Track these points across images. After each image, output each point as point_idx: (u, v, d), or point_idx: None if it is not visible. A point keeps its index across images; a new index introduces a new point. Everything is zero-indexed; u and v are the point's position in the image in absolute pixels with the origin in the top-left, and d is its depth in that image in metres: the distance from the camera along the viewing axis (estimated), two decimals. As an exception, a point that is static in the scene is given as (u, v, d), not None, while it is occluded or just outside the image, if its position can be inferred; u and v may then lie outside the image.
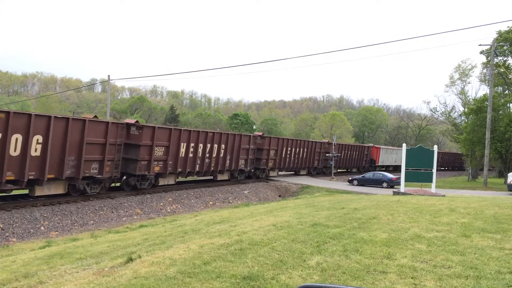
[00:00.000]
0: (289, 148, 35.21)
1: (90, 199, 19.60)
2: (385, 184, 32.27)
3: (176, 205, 21.96)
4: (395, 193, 20.40)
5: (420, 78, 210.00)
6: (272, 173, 34.47)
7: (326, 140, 44.41)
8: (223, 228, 9.10)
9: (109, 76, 40.48)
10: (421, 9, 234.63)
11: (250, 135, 30.98)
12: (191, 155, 24.52)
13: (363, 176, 34.27)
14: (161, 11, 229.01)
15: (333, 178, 39.25)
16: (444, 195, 18.58)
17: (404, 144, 21.72)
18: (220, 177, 28.45)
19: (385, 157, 53.49)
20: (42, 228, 15.52)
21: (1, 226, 14.81)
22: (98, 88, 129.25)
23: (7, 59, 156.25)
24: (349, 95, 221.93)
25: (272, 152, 33.05)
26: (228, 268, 5.60)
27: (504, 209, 10.81)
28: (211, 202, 23.81)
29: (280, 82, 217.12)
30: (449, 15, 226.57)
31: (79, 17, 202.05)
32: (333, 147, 42.15)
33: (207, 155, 25.93)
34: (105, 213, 18.48)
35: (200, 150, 25.21)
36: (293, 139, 37.34)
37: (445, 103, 61.90)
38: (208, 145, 25.93)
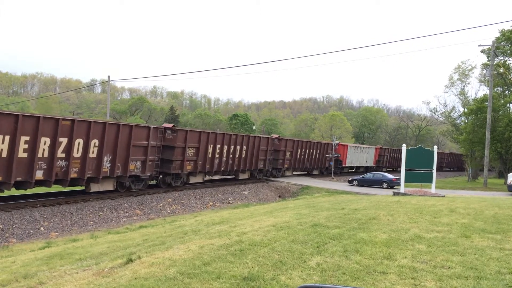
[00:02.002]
0: (218, 146, 26.98)
1: (90, 199, 19.59)
2: (385, 185, 32.30)
3: (175, 205, 21.95)
4: (395, 194, 20.39)
5: (420, 78, 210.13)
6: (193, 179, 26.52)
7: (276, 136, 35.66)
8: (223, 228, 9.10)
9: (109, 76, 40.51)
10: (421, 10, 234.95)
11: (150, 127, 22.02)
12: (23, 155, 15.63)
13: (363, 177, 34.35)
14: (161, 12, 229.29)
15: (332, 178, 39.26)
16: (444, 196, 18.57)
17: (404, 145, 21.72)
18: (95, 188, 19.83)
19: (354, 156, 46.65)
20: (42, 229, 15.51)
21: (1, 227, 14.79)
22: (98, 89, 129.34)
23: (7, 59, 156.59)
24: (349, 95, 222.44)
25: (190, 151, 24.62)
26: (228, 269, 5.60)
27: (504, 209, 10.81)
28: (210, 203, 23.81)
29: (280, 83, 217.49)
30: (449, 15, 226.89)
31: (79, 18, 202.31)
32: (334, 146, 41.38)
33: (62, 155, 17.02)
34: (105, 214, 18.47)
35: (44, 147, 16.33)
36: (224, 134, 28.48)
37: (445, 103, 61.78)
38: (62, 140, 16.97)
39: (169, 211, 20.84)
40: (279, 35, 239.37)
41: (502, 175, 42.89)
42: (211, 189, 26.76)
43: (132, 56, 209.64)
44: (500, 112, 40.55)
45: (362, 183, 33.28)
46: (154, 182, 24.44)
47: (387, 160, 54.41)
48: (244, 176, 31.63)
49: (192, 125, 76.94)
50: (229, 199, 25.70)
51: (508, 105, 42.82)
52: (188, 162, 24.64)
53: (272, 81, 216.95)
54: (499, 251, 6.56)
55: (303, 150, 37.99)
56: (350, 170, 47.20)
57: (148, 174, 22.13)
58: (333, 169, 41.39)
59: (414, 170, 20.52)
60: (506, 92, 45.25)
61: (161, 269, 5.75)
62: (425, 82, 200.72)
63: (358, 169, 47.74)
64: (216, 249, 6.78)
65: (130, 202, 20.75)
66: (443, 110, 61.22)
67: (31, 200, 18.15)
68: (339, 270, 5.54)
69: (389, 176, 33.75)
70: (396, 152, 57.06)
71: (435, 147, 21.35)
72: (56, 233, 15.30)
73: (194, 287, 4.97)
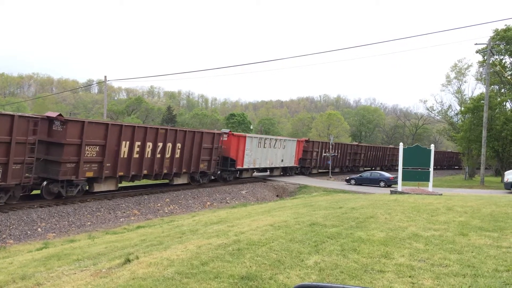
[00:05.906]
0: None
1: (88, 200, 19.54)
2: (382, 183, 32.41)
3: (173, 205, 21.92)
4: (392, 192, 20.41)
5: (417, 77, 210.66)
6: None
7: (53, 114, 17.53)
8: (220, 228, 9.09)
9: (105, 77, 40.33)
10: (418, 9, 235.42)
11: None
12: None
13: (360, 176, 34.52)
14: (158, 12, 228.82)
15: (330, 177, 39.27)
16: (441, 194, 18.62)
17: (401, 143, 21.75)
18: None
19: (259, 153, 30.70)
20: (39, 229, 15.46)
21: (-2, 228, 14.74)
22: (95, 89, 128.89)
23: (3, 60, 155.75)
24: (346, 94, 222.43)
25: None
26: (226, 268, 5.60)
27: (501, 207, 10.85)
28: (208, 203, 23.78)
29: (277, 82, 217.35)
30: (446, 14, 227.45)
31: (75, 18, 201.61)
32: (331, 145, 41.34)
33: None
34: (103, 214, 18.43)
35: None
36: None
37: (441, 102, 61.96)
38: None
39: (166, 211, 20.81)
40: (276, 35, 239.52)
41: (499, 173, 43.05)
42: (209, 189, 26.72)
43: (129, 56, 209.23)
44: (496, 110, 40.68)
45: (360, 182, 33.44)
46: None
47: (318, 159, 39.73)
48: None
49: (189, 125, 76.73)
50: (227, 198, 25.68)
51: (504, 103, 42.97)
52: None
53: (269, 81, 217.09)
54: (496, 248, 6.58)
55: (149, 143, 21.29)
56: (256, 174, 33.13)
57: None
58: (330, 168, 41.36)
59: (411, 168, 20.57)
60: (503, 90, 45.41)
61: (159, 269, 5.74)
62: (422, 80, 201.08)
63: (272, 172, 33.55)
64: (214, 248, 6.78)
65: (128, 202, 20.70)
66: (440, 108, 61.39)
67: (29, 201, 18.08)
68: (337, 269, 5.55)
69: (387, 174, 33.96)
70: (331, 148, 41.19)
71: (432, 146, 21.40)
72: (54, 233, 15.26)
73: (192, 287, 4.97)
